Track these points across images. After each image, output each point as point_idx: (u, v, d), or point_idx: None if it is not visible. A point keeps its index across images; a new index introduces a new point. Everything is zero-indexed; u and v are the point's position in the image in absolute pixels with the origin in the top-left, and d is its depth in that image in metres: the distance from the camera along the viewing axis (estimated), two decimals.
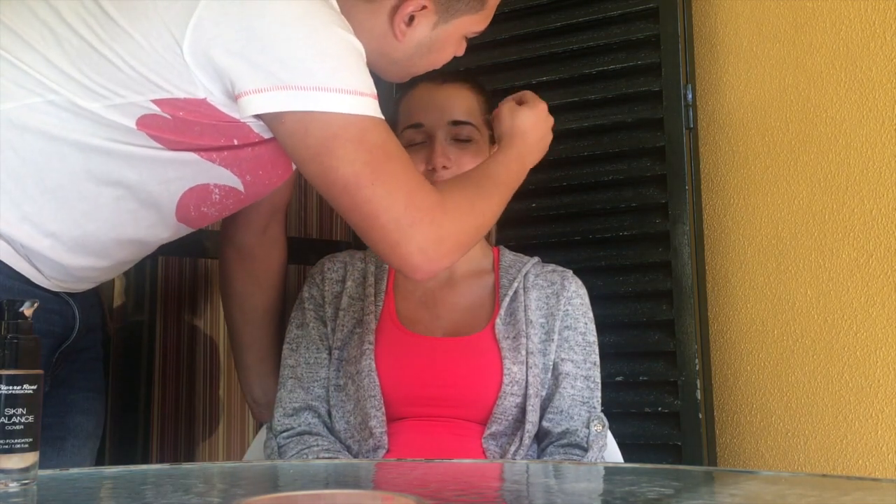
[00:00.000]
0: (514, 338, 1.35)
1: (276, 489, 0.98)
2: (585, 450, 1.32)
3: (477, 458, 1.30)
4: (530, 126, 1.31)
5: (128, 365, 1.86)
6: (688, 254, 1.61)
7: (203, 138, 1.11)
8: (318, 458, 1.31)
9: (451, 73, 1.49)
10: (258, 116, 1.07)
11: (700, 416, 1.57)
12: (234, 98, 1.05)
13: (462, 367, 1.34)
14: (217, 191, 1.21)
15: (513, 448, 1.32)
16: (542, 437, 1.37)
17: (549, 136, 1.33)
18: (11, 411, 0.81)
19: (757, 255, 1.68)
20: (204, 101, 1.06)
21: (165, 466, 1.14)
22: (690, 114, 1.67)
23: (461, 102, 1.42)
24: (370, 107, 1.07)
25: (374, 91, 1.08)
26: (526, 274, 1.43)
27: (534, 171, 1.73)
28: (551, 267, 1.47)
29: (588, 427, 1.34)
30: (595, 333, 1.42)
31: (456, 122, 1.40)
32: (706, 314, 1.66)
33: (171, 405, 1.91)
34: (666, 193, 1.64)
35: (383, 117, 1.10)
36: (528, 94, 1.35)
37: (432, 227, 1.09)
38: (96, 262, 1.21)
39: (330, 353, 1.39)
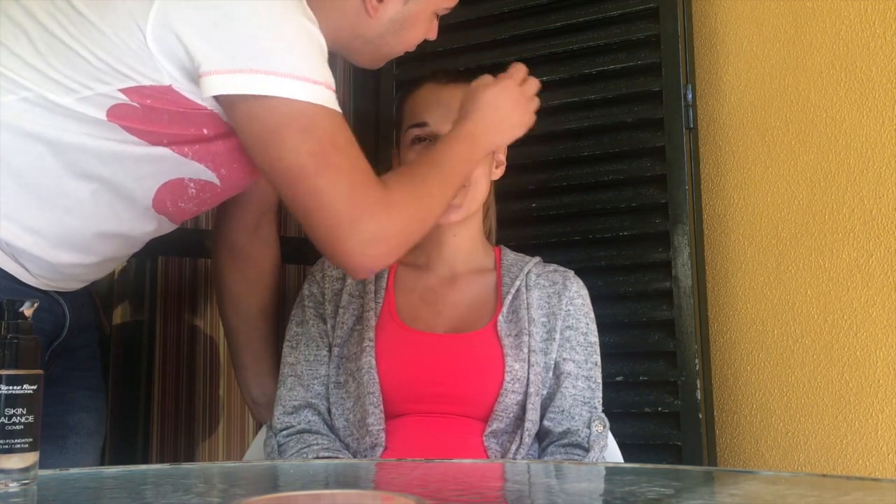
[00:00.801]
0: (517, 335, 1.35)
1: (276, 489, 0.98)
2: (586, 450, 1.32)
3: (477, 457, 1.30)
4: (488, 101, 1.29)
5: (128, 365, 1.86)
6: (688, 254, 1.61)
7: (173, 127, 1.12)
8: (317, 457, 1.30)
9: (454, 73, 1.49)
10: (217, 100, 1.07)
11: (700, 416, 1.57)
12: (197, 79, 1.05)
13: (463, 363, 1.34)
14: (192, 185, 1.21)
15: (513, 447, 1.32)
16: (543, 436, 1.37)
17: (519, 112, 1.31)
18: (11, 411, 0.81)
19: (757, 255, 1.68)
20: (169, 87, 1.07)
21: (165, 466, 1.14)
22: (690, 114, 1.67)
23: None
24: (323, 96, 1.05)
25: (331, 82, 1.07)
26: (528, 273, 1.43)
27: (534, 171, 1.75)
28: (553, 267, 1.47)
29: (589, 427, 1.35)
30: (596, 334, 1.42)
31: None
32: (706, 314, 1.66)
33: (171, 405, 1.91)
34: (666, 193, 1.64)
35: (339, 110, 1.09)
36: (512, 68, 1.33)
37: (373, 224, 1.09)
38: (82, 257, 1.21)
39: (330, 351, 1.40)
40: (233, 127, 1.11)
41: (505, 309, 1.38)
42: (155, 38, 1.03)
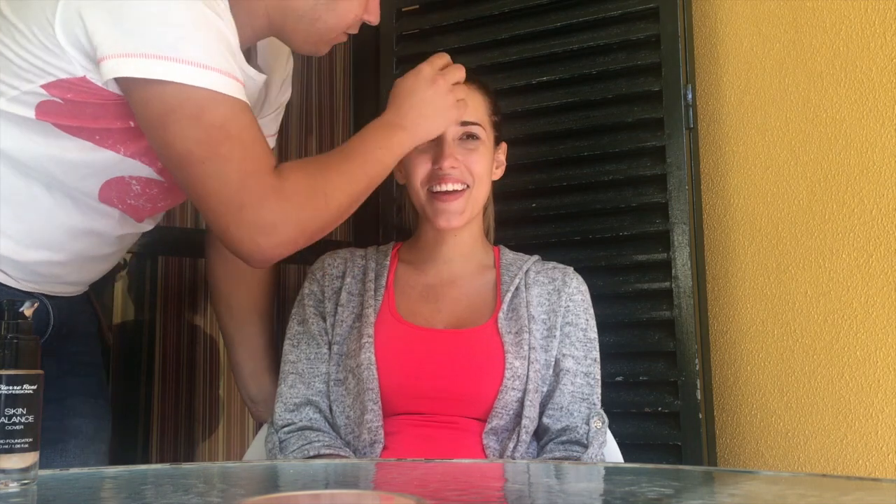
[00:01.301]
0: (517, 332, 1.35)
1: (276, 489, 0.98)
2: (585, 446, 1.32)
3: (475, 454, 1.30)
4: (402, 91, 1.28)
5: (128, 365, 1.86)
6: (688, 254, 1.61)
7: (99, 121, 1.12)
8: (319, 454, 1.31)
9: None
10: (116, 82, 1.07)
11: (700, 416, 1.57)
12: (98, 65, 1.06)
13: (464, 359, 1.34)
14: (135, 182, 1.22)
15: (511, 444, 1.32)
16: (541, 433, 1.37)
17: (440, 99, 1.28)
18: (11, 411, 0.81)
19: (757, 255, 1.68)
20: (84, 78, 1.08)
21: (165, 466, 1.14)
22: (690, 114, 1.67)
23: (471, 103, 1.42)
24: (215, 81, 1.05)
25: (230, 69, 1.07)
26: (527, 271, 1.43)
27: (534, 171, 1.75)
28: (552, 264, 1.47)
29: (588, 423, 1.35)
30: (595, 330, 1.42)
31: (465, 123, 1.40)
32: (706, 314, 1.66)
33: (171, 405, 1.91)
34: (666, 193, 1.64)
35: (237, 96, 1.08)
36: (433, 56, 1.32)
37: (264, 212, 1.07)
38: (52, 255, 1.22)
39: (329, 348, 1.40)
40: None
41: (505, 306, 1.38)
42: (62, 29, 1.04)
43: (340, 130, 2.16)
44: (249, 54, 1.27)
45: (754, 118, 1.70)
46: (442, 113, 1.28)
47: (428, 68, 1.29)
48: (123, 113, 1.13)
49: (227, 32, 1.09)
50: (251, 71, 1.21)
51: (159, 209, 1.33)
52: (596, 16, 1.73)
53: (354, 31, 1.28)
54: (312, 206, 1.12)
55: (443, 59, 1.33)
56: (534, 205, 1.75)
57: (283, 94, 1.47)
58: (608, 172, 1.71)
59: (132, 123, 1.14)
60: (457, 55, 1.83)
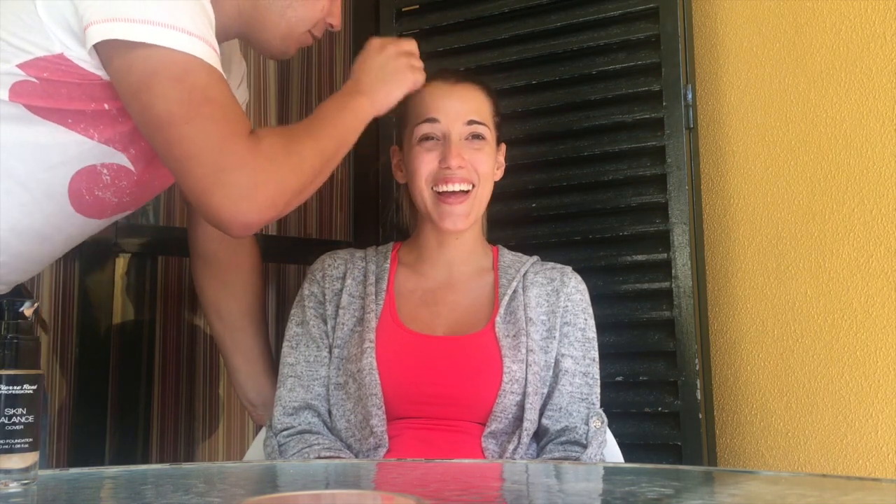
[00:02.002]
0: (515, 336, 1.35)
1: (276, 489, 0.98)
2: (584, 446, 1.32)
3: (475, 458, 1.30)
4: (356, 64, 1.32)
5: (128, 365, 1.86)
6: (688, 254, 1.61)
7: (73, 102, 1.13)
8: (319, 456, 1.30)
9: (464, 73, 1.49)
10: (99, 55, 1.08)
11: (700, 416, 1.57)
12: (84, 32, 1.07)
13: (462, 365, 1.34)
14: (106, 171, 1.22)
15: (511, 447, 1.32)
16: (541, 434, 1.37)
17: (387, 62, 1.32)
18: (11, 411, 0.81)
19: (757, 255, 1.68)
20: (61, 55, 1.09)
21: (165, 466, 1.14)
22: (690, 114, 1.67)
23: (476, 103, 1.42)
24: (198, 48, 1.07)
25: (210, 39, 1.10)
26: (525, 273, 1.43)
27: (534, 171, 1.75)
28: (550, 264, 1.47)
29: (587, 423, 1.35)
30: (594, 329, 1.42)
31: (471, 122, 1.40)
32: (706, 314, 1.66)
33: (171, 405, 1.91)
34: (666, 193, 1.64)
35: (216, 66, 1.10)
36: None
37: (245, 172, 1.09)
38: None
39: (330, 352, 1.40)
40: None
41: (502, 310, 1.38)
42: (45, 4, 1.07)
43: None
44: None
45: (754, 118, 1.70)
46: (395, 75, 1.32)
47: (377, 39, 1.34)
48: (98, 94, 1.14)
49: (209, 9, 1.12)
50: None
51: (124, 206, 1.32)
52: (596, 16, 1.73)
53: (319, 33, 1.32)
54: (289, 166, 1.14)
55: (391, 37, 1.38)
56: (534, 205, 1.75)
57: (240, 96, 1.49)
58: (608, 172, 1.71)
59: (107, 106, 1.16)
60: (457, 55, 1.85)
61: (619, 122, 1.70)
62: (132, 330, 1.89)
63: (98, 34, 1.05)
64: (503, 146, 1.50)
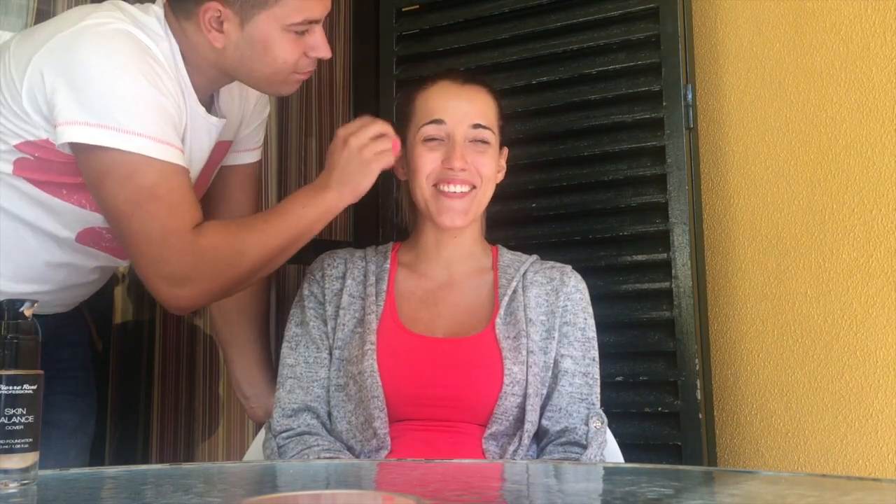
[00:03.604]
0: (515, 337, 1.35)
1: (275, 489, 0.98)
2: (584, 447, 1.32)
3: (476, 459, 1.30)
4: (327, 160, 1.35)
5: (128, 365, 1.86)
6: (688, 254, 1.61)
7: (63, 176, 1.26)
8: (318, 457, 1.30)
9: (470, 74, 1.49)
10: (69, 147, 1.20)
11: (700, 416, 1.56)
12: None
13: (463, 367, 1.34)
14: (106, 232, 1.35)
15: (512, 448, 1.31)
16: (541, 435, 1.37)
17: (350, 158, 1.33)
18: (11, 411, 0.81)
19: (757, 255, 1.68)
20: (46, 140, 1.22)
21: (165, 466, 1.14)
22: (690, 114, 1.67)
23: (482, 106, 1.42)
24: (149, 148, 1.18)
25: (164, 135, 1.20)
26: (525, 272, 1.43)
27: (534, 171, 1.75)
28: (550, 264, 1.47)
29: (587, 424, 1.34)
30: (594, 329, 1.42)
31: (476, 126, 1.40)
32: (706, 314, 1.66)
33: (171, 405, 1.91)
34: (666, 193, 1.64)
35: (172, 160, 1.21)
36: (363, 124, 1.36)
37: (180, 266, 1.21)
38: (39, 286, 1.36)
39: (330, 353, 1.39)
40: None
41: (502, 311, 1.38)
42: (27, 97, 1.20)
43: None
44: (211, 100, 1.39)
45: (754, 118, 1.70)
46: (360, 169, 1.33)
47: (341, 132, 1.36)
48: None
49: (168, 104, 1.23)
50: (211, 119, 1.36)
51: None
52: (596, 16, 1.73)
53: (306, 70, 1.35)
54: (226, 261, 1.24)
55: (357, 122, 1.37)
56: (534, 205, 1.75)
57: (259, 115, 1.55)
58: (608, 172, 1.70)
59: None
60: (457, 55, 1.85)
61: (619, 122, 1.70)
62: (132, 330, 1.89)
63: (63, 135, 1.18)
64: (505, 150, 1.49)
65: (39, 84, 1.18)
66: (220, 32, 1.27)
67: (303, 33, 1.29)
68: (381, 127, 1.36)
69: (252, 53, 1.28)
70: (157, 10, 1.29)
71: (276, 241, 1.28)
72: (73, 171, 1.24)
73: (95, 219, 1.32)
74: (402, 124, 1.46)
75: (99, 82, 1.18)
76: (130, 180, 1.19)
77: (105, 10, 1.25)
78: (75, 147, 1.19)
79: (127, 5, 1.29)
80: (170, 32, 1.28)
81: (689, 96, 1.66)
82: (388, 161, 1.36)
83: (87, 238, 1.36)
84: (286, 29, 1.27)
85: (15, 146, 1.24)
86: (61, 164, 1.25)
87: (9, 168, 1.26)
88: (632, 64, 1.70)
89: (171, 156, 1.21)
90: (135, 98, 1.19)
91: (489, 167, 1.40)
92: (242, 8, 1.25)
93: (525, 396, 1.32)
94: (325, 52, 1.33)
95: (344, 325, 1.39)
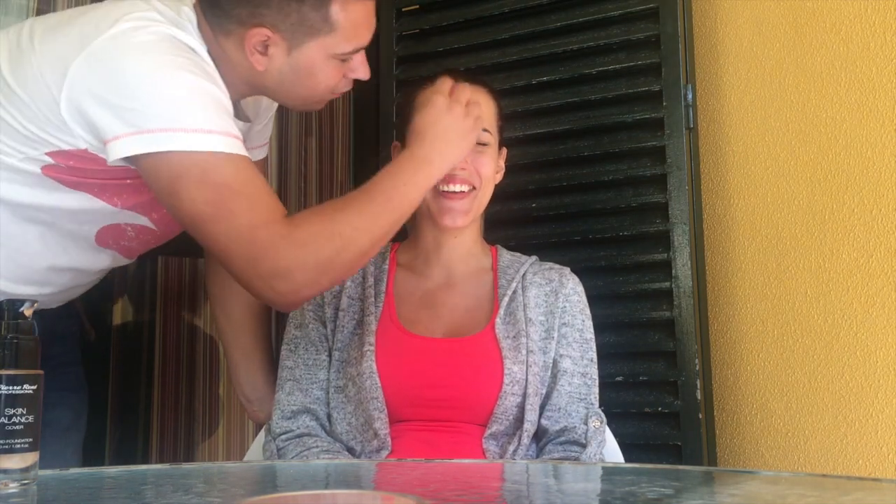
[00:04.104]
0: (515, 337, 1.35)
1: (275, 489, 0.98)
2: (584, 446, 1.32)
3: (476, 458, 1.30)
4: (424, 124, 1.29)
5: (128, 365, 1.86)
6: (688, 254, 1.61)
7: (97, 178, 1.21)
8: (318, 458, 1.30)
9: (469, 74, 1.49)
10: (125, 161, 1.13)
11: (700, 416, 1.57)
12: (103, 146, 1.13)
13: (463, 367, 1.34)
14: (130, 229, 1.31)
15: (511, 448, 1.32)
16: (540, 435, 1.37)
17: (456, 123, 1.29)
18: (11, 411, 0.81)
19: (757, 255, 1.68)
20: (86, 150, 1.16)
21: (165, 466, 1.14)
22: (690, 114, 1.67)
23: (481, 106, 1.41)
24: (217, 143, 1.11)
25: (227, 128, 1.13)
26: (524, 273, 1.43)
27: (534, 171, 1.75)
28: (549, 265, 1.47)
29: (586, 423, 1.35)
30: (592, 330, 1.42)
31: None
32: (706, 314, 1.66)
33: (171, 405, 1.91)
34: (666, 193, 1.64)
35: (239, 152, 1.14)
36: (455, 89, 1.33)
37: (277, 261, 1.12)
38: (39, 289, 1.32)
39: (330, 355, 1.39)
40: None
41: (502, 311, 1.38)
42: (67, 109, 1.12)
43: (340, 131, 2.16)
44: (236, 106, 1.34)
45: (754, 118, 1.70)
46: (464, 136, 1.31)
47: (441, 98, 1.31)
48: (121, 174, 1.20)
49: (219, 93, 1.16)
50: (238, 123, 1.28)
51: (150, 246, 1.41)
52: (596, 16, 1.73)
53: (342, 91, 1.31)
54: (330, 248, 1.15)
55: (447, 83, 1.34)
56: (534, 205, 1.75)
57: (270, 106, 1.52)
58: (608, 172, 1.71)
59: (129, 181, 1.22)
60: (457, 55, 1.85)
61: (619, 122, 1.70)
62: (132, 330, 1.89)
63: (119, 150, 1.11)
64: (504, 150, 1.49)
65: (83, 96, 1.11)
66: (264, 56, 1.21)
67: (347, 59, 1.26)
68: (468, 92, 1.34)
69: (295, 78, 1.24)
70: (189, 13, 1.22)
71: (384, 222, 1.20)
72: (111, 174, 1.20)
73: (123, 216, 1.28)
74: (402, 124, 1.45)
75: (152, 87, 1.11)
76: (205, 181, 1.12)
77: (139, 10, 1.17)
78: (136, 160, 1.12)
79: (159, 3, 1.21)
80: (203, 42, 1.21)
81: (689, 96, 1.66)
82: (480, 133, 1.34)
83: (108, 235, 1.31)
84: (334, 56, 1.23)
85: (47, 153, 1.18)
86: (98, 170, 1.19)
87: (36, 168, 1.20)
88: (632, 64, 1.70)
89: (237, 147, 1.14)
90: (189, 93, 1.13)
91: (488, 167, 1.40)
92: (293, 35, 1.20)
93: (525, 396, 1.32)
94: (364, 74, 1.29)
95: (343, 326, 1.39)
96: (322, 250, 1.14)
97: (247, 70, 1.23)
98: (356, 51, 1.25)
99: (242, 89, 1.28)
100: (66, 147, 1.16)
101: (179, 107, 1.11)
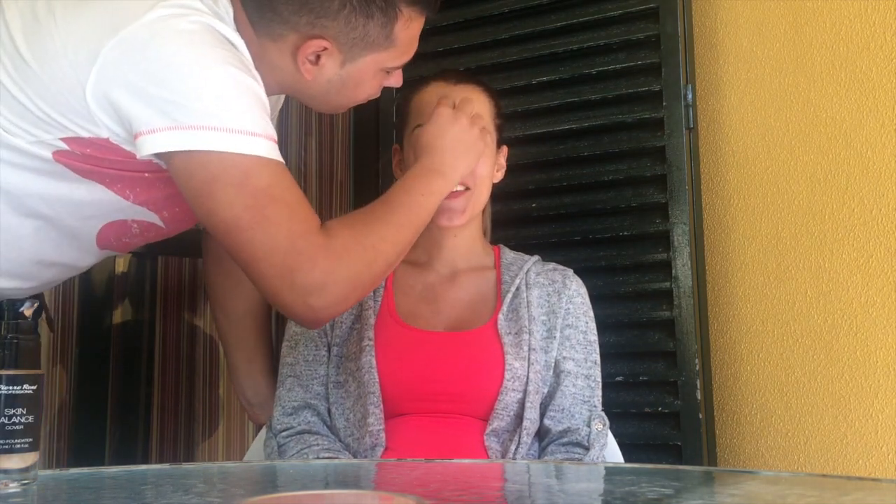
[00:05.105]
0: (517, 333, 1.35)
1: (276, 489, 0.98)
2: (587, 448, 1.32)
3: (477, 456, 1.30)
4: (431, 136, 1.29)
5: (128, 365, 1.86)
6: (688, 254, 1.61)
7: (113, 169, 1.13)
8: (318, 457, 1.30)
9: (464, 73, 1.49)
10: (156, 156, 1.07)
11: (700, 416, 1.57)
12: (133, 138, 1.05)
13: (463, 361, 1.34)
14: (136, 225, 1.24)
15: (513, 446, 1.32)
16: (543, 435, 1.37)
17: (463, 134, 1.29)
18: (11, 411, 0.81)
19: (757, 255, 1.68)
20: (107, 140, 1.08)
21: (165, 466, 1.14)
22: (690, 114, 1.67)
23: (476, 105, 1.41)
24: (260, 146, 1.05)
25: (268, 131, 1.06)
26: (528, 271, 1.43)
27: (534, 171, 1.75)
28: (552, 265, 1.47)
29: (589, 426, 1.35)
30: (595, 332, 1.42)
31: None
32: (706, 314, 1.66)
33: (171, 405, 1.91)
34: (666, 193, 1.64)
35: (279, 158, 1.07)
36: (460, 102, 1.34)
37: (314, 273, 1.06)
38: (21, 283, 1.27)
39: (329, 350, 1.40)
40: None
41: (505, 307, 1.38)
42: (94, 95, 1.04)
43: (340, 131, 2.16)
44: None
45: (754, 118, 1.70)
46: (472, 147, 1.30)
47: (446, 109, 1.31)
48: (140, 166, 1.13)
49: (262, 93, 1.09)
50: None
51: (149, 242, 1.35)
52: (596, 16, 1.73)
53: (373, 97, 1.29)
54: (363, 262, 1.11)
55: (470, 104, 1.34)
56: (534, 205, 1.75)
57: (278, 104, 1.49)
58: (608, 172, 1.71)
59: (147, 174, 1.15)
60: (457, 55, 1.85)
61: (619, 122, 1.70)
62: (132, 330, 1.89)
63: (153, 145, 1.03)
64: (504, 148, 1.49)
65: (114, 84, 1.03)
66: (315, 66, 1.16)
67: (391, 71, 1.25)
68: (473, 104, 1.34)
69: (339, 89, 1.21)
70: (227, 6, 1.13)
71: (407, 232, 1.18)
72: (129, 166, 1.12)
73: (133, 211, 1.20)
74: (398, 126, 1.46)
75: (194, 80, 1.03)
76: (244, 186, 1.04)
77: None
78: (168, 155, 1.04)
79: None
80: (241, 38, 1.12)
81: (689, 96, 1.67)
82: (487, 144, 1.34)
83: (111, 232, 1.24)
84: (382, 70, 1.22)
85: (62, 139, 1.09)
86: (115, 160, 1.12)
87: (47, 153, 1.11)
88: (632, 64, 1.70)
89: (276, 152, 1.08)
90: (235, 90, 1.05)
91: (484, 166, 1.40)
92: (351, 49, 1.16)
93: (525, 393, 1.32)
94: (399, 83, 1.28)
95: (342, 322, 1.40)
96: (355, 263, 1.10)
97: (290, 76, 1.18)
98: (403, 64, 1.24)
99: (272, 90, 1.22)
100: (85, 135, 1.08)
101: (225, 104, 1.04)
